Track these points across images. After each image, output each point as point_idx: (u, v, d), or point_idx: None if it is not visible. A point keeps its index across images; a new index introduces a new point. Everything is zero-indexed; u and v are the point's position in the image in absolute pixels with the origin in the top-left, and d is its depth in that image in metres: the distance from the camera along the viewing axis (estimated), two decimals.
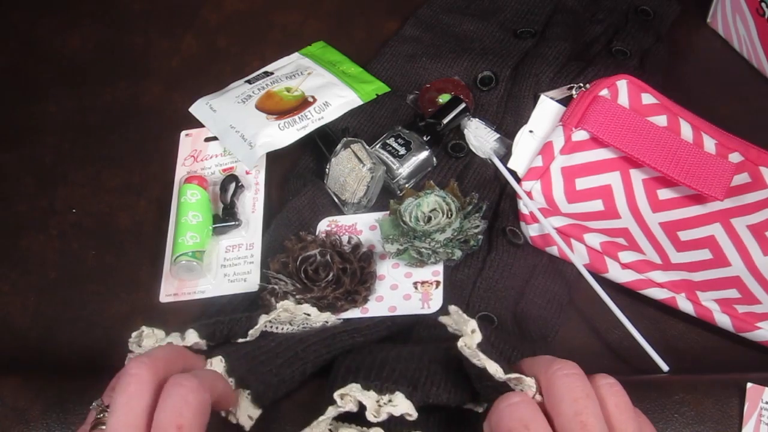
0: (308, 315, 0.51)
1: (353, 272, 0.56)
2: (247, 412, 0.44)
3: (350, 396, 0.42)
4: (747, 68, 0.71)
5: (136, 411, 0.38)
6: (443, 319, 0.45)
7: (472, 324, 0.41)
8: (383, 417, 0.41)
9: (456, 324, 0.44)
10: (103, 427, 0.40)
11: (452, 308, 0.44)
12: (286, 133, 0.64)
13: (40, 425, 0.49)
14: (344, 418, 0.44)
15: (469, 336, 0.41)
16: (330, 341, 0.49)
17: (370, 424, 0.43)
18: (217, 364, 0.45)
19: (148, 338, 0.47)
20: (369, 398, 0.42)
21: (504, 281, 0.57)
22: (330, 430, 0.43)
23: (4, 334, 0.59)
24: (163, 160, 0.67)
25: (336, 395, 0.42)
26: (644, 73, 0.68)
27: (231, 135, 0.65)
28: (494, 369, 0.40)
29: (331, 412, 0.42)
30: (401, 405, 0.41)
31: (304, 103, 0.66)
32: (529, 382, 0.39)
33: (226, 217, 0.61)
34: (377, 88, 0.69)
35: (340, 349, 0.49)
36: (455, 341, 0.43)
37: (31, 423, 0.49)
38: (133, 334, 0.47)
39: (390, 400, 0.42)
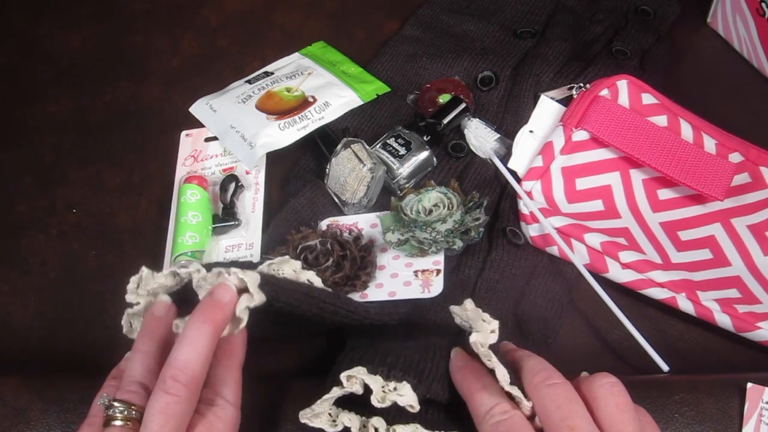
0: (311, 282, 0.49)
1: (353, 258, 0.55)
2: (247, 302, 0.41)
3: (356, 378, 0.42)
4: (747, 68, 0.71)
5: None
6: (454, 308, 0.45)
7: (494, 324, 0.42)
8: (387, 404, 0.41)
9: (470, 320, 0.43)
10: (117, 423, 0.40)
11: (469, 305, 0.44)
12: (286, 133, 0.64)
13: (40, 425, 0.49)
14: (345, 407, 0.44)
15: (486, 334, 0.41)
16: (333, 295, 0.47)
17: (370, 415, 0.43)
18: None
19: (148, 280, 0.45)
20: (375, 382, 0.41)
21: (504, 282, 0.57)
22: (330, 414, 0.43)
23: (4, 334, 0.59)
24: (163, 160, 0.67)
25: (342, 376, 0.42)
26: (644, 73, 0.68)
27: (231, 135, 0.65)
28: (502, 375, 0.40)
29: (335, 391, 0.42)
30: (407, 396, 0.41)
31: (304, 103, 0.66)
32: (527, 405, 0.40)
33: (225, 216, 0.61)
34: (377, 88, 0.69)
35: (343, 307, 0.47)
36: (459, 336, 0.42)
37: (31, 423, 0.49)
38: (132, 279, 0.45)
39: (395, 388, 0.41)
